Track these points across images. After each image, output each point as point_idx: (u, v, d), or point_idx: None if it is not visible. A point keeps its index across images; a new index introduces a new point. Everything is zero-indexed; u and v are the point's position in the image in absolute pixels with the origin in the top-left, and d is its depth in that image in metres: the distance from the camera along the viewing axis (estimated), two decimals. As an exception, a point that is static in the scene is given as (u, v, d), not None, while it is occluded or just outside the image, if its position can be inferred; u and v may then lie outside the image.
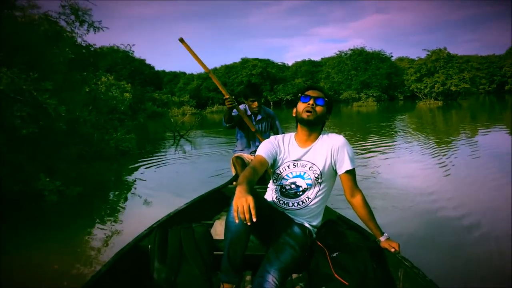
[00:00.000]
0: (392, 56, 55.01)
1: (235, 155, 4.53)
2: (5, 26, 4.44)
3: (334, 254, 2.18)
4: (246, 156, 4.52)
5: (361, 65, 51.93)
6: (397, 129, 15.11)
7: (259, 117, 4.49)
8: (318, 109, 2.32)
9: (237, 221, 1.84)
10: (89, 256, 3.62)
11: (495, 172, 6.28)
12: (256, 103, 4.35)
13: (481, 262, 3.20)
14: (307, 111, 2.29)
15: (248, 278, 2.37)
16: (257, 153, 2.37)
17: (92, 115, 5.77)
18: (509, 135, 11.51)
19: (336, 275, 2.07)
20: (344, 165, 2.33)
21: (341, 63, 53.78)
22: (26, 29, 4.72)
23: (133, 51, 10.40)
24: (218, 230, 2.85)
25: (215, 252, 2.40)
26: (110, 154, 8.10)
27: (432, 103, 37.97)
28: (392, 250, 2.23)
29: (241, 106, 4.43)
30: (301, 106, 2.33)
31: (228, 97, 4.06)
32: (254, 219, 1.74)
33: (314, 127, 2.36)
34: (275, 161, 2.39)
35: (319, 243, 2.33)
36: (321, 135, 2.41)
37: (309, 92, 2.36)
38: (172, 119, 16.55)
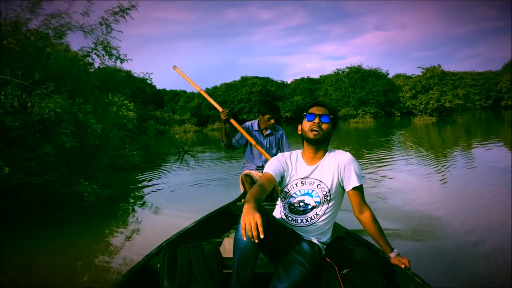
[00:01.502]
0: (388, 74, 56.06)
1: (244, 172, 4.52)
2: (53, 62, 5.45)
3: (344, 271, 2.17)
4: (254, 173, 4.50)
5: (358, 82, 52.84)
6: (396, 144, 15.75)
7: (267, 131, 4.50)
8: (324, 126, 2.33)
9: (245, 238, 1.82)
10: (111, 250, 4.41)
11: (494, 184, 6.42)
12: (273, 120, 4.35)
13: (492, 277, 3.18)
14: (313, 130, 2.31)
15: None
16: (264, 170, 2.39)
17: (119, 132, 6.73)
18: (505, 149, 11.92)
19: None
20: (352, 182, 2.33)
21: (338, 81, 54.65)
22: (69, 63, 5.71)
23: (151, 78, 11.29)
24: (227, 247, 2.88)
25: (224, 270, 2.38)
26: (126, 166, 9.05)
27: (426, 119, 38.66)
28: (403, 266, 2.19)
29: (247, 123, 4.54)
30: (306, 125, 2.35)
31: (222, 110, 4.12)
32: (262, 236, 1.74)
33: (321, 144, 2.37)
34: (282, 178, 2.40)
35: (328, 259, 2.33)
36: (328, 152, 2.42)
37: (314, 110, 2.36)
38: (177, 136, 17.60)
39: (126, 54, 6.53)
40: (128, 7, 6.13)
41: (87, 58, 6.34)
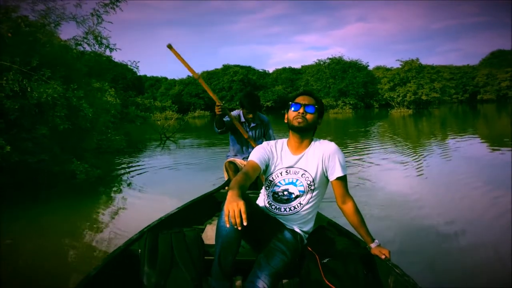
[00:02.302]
0: (368, 66, 56.89)
1: (228, 160, 4.53)
2: (49, 50, 5.86)
3: (325, 260, 2.20)
4: (239, 161, 4.52)
5: (339, 73, 53.54)
6: (376, 134, 16.32)
7: (253, 124, 4.51)
8: (309, 116, 2.34)
9: (228, 225, 1.83)
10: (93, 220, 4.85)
11: (471, 176, 6.64)
12: (251, 115, 4.39)
13: (471, 267, 3.25)
14: (297, 118, 2.33)
15: (238, 283, 2.30)
16: (249, 158, 2.38)
17: (108, 116, 7.18)
18: (479, 141, 12.57)
19: (326, 281, 2.08)
20: (336, 172, 2.34)
21: (319, 71, 55.40)
22: (63, 51, 6.13)
23: (138, 67, 11.41)
24: (209, 234, 2.88)
25: (206, 257, 2.39)
26: (110, 150, 9.49)
27: (403, 111, 39.64)
28: (383, 257, 2.22)
29: (235, 112, 4.52)
30: (292, 114, 2.36)
31: (219, 104, 4.08)
32: (245, 224, 1.75)
33: (306, 133, 2.39)
34: (267, 166, 2.41)
35: (310, 248, 2.34)
36: (313, 142, 2.44)
37: (300, 99, 2.38)
38: (158, 123, 18.04)
39: (115, 44, 6.95)
40: None
41: (79, 47, 6.76)
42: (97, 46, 6.75)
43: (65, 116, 5.47)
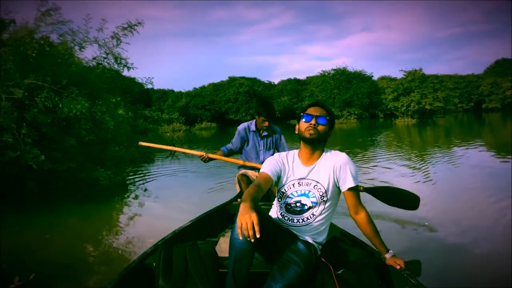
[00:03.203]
0: (372, 76, 57.37)
1: (240, 172, 4.53)
2: (75, 70, 6.60)
3: (339, 271, 2.18)
4: (251, 173, 4.50)
5: (343, 84, 53.82)
6: (382, 144, 16.68)
7: (265, 133, 4.53)
8: (320, 128, 2.35)
9: (241, 238, 1.82)
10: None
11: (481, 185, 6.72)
12: (267, 123, 4.39)
13: (486, 277, 3.22)
14: (309, 130, 2.33)
15: None
16: (261, 170, 2.39)
17: (127, 128, 7.92)
18: (485, 150, 12.57)
19: None
20: (347, 183, 2.35)
21: (324, 82, 55.61)
22: (87, 71, 6.88)
23: (152, 82, 12.01)
24: (223, 247, 2.87)
25: (220, 270, 2.38)
26: (126, 160, 10.17)
27: (407, 120, 40.06)
28: (398, 267, 2.21)
29: (243, 124, 4.59)
30: (303, 125, 2.36)
31: (199, 155, 4.20)
32: (258, 236, 1.75)
33: (317, 144, 2.40)
34: (279, 178, 2.41)
35: (324, 260, 2.33)
36: (324, 153, 2.44)
37: (311, 110, 2.38)
38: (168, 135, 18.79)
39: (133, 63, 7.67)
40: (135, 23, 7.29)
41: (99, 65, 7.49)
42: (116, 65, 7.48)
43: (89, 128, 6.14)
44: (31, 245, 4.32)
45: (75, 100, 5.88)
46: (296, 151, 2.51)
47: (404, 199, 3.52)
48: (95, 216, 5.69)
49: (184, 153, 4.71)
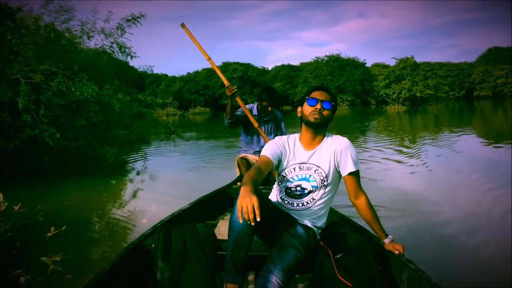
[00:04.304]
0: (366, 63, 57.91)
1: (240, 156, 4.54)
2: (84, 57, 7.26)
3: (338, 256, 2.19)
4: (251, 157, 4.50)
5: (337, 71, 54.45)
6: (374, 130, 17.36)
7: (266, 118, 4.52)
8: (325, 112, 2.33)
9: (241, 221, 1.83)
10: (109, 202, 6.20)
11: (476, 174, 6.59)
12: (270, 108, 4.38)
13: (482, 263, 3.21)
14: (314, 114, 2.31)
15: (251, 278, 2.34)
16: (262, 153, 2.37)
17: (134, 107, 8.71)
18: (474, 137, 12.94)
19: (340, 277, 2.08)
20: (348, 167, 2.34)
21: (317, 69, 56.27)
22: (95, 58, 7.57)
23: (153, 70, 12.52)
24: (222, 230, 2.89)
25: (218, 252, 2.41)
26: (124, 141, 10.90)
27: (397, 107, 40.85)
28: (397, 252, 2.22)
29: (248, 106, 4.50)
30: (308, 109, 2.34)
31: (228, 84, 4.07)
32: (258, 219, 1.75)
33: (320, 129, 2.38)
34: (280, 162, 2.40)
35: (323, 244, 2.34)
36: (325, 137, 2.42)
37: (316, 94, 2.35)
38: (164, 118, 19.50)
39: (136, 52, 8.34)
40: (138, 15, 8.00)
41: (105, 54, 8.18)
42: (120, 54, 8.17)
43: (97, 110, 6.82)
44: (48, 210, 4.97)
45: (86, 84, 6.55)
46: (297, 135, 2.50)
47: None
48: (102, 189, 6.42)
49: (216, 74, 4.43)
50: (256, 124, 4.27)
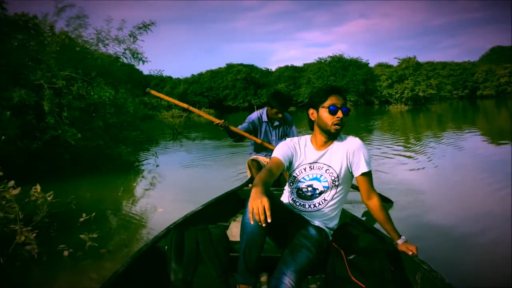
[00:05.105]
0: (368, 63, 58.41)
1: (251, 157, 4.54)
2: (100, 63, 7.87)
3: (351, 257, 2.18)
4: (261, 158, 4.51)
5: (340, 71, 55.00)
6: (377, 129, 17.74)
7: (276, 123, 4.50)
8: (344, 119, 2.32)
9: (252, 222, 1.82)
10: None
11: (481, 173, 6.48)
12: (280, 115, 4.36)
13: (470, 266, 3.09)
14: (336, 124, 2.29)
15: (264, 279, 2.35)
16: (273, 155, 2.37)
17: (144, 110, 9.29)
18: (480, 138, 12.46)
19: (353, 278, 2.07)
20: (360, 168, 2.33)
21: (321, 69, 56.87)
22: (110, 64, 8.20)
23: (162, 74, 13.06)
24: (234, 231, 2.92)
25: (231, 254, 2.41)
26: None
27: (400, 107, 41.22)
28: (410, 253, 2.20)
29: (255, 113, 4.56)
30: (328, 118, 2.30)
31: (217, 122, 4.08)
32: (269, 220, 1.75)
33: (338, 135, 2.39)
34: (291, 163, 2.40)
35: (335, 245, 2.33)
36: (337, 138, 2.41)
37: (334, 100, 2.31)
38: (171, 120, 20.09)
39: (147, 57, 8.91)
40: (149, 23, 8.65)
41: (119, 59, 8.80)
42: (132, 60, 8.80)
43: (113, 112, 7.39)
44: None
45: (103, 89, 7.11)
46: (308, 136, 2.50)
47: None
48: (118, 184, 7.00)
49: (200, 116, 4.51)
50: (259, 141, 4.36)
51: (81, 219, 3.89)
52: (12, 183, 3.45)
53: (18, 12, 7.19)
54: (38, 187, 3.83)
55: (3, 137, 5.44)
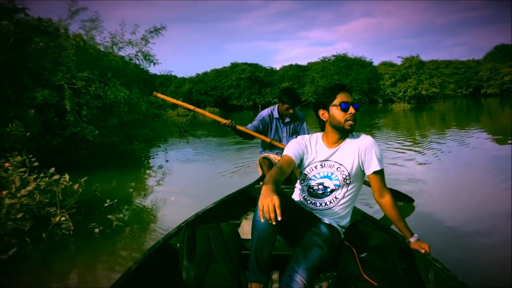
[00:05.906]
0: (372, 62, 58.57)
1: (262, 155, 4.54)
2: (115, 65, 8.44)
3: (363, 255, 2.17)
4: (272, 156, 4.51)
5: (344, 70, 55.19)
6: (382, 127, 17.90)
7: (287, 119, 4.48)
8: (356, 114, 2.31)
9: (262, 220, 1.85)
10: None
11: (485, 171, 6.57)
12: (291, 110, 4.32)
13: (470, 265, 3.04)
14: (349, 120, 2.28)
15: (275, 277, 2.35)
16: (284, 152, 2.36)
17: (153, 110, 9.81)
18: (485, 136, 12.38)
19: (365, 276, 2.07)
20: (372, 166, 2.31)
21: (325, 68, 56.96)
22: (124, 65, 8.74)
23: (171, 74, 13.57)
24: (245, 229, 2.93)
25: (242, 252, 2.42)
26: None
27: (403, 106, 41.48)
28: (423, 251, 2.19)
29: (266, 110, 4.55)
30: (340, 115, 2.29)
31: (224, 122, 4.12)
32: (279, 218, 1.74)
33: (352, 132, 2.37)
34: (302, 161, 2.39)
35: (347, 243, 2.31)
36: (349, 136, 2.39)
37: (344, 98, 2.31)
38: (178, 119, 20.63)
39: (158, 59, 9.46)
40: (159, 27, 9.25)
41: (132, 61, 9.37)
42: (144, 62, 9.38)
43: (127, 111, 7.92)
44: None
45: (118, 89, 7.64)
46: (319, 134, 2.48)
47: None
48: (134, 178, 7.59)
49: (205, 116, 4.89)
50: (268, 140, 4.38)
51: (106, 204, 4.43)
52: (52, 169, 4.01)
53: (35, 16, 7.72)
54: (67, 176, 4.36)
55: (27, 133, 5.91)
